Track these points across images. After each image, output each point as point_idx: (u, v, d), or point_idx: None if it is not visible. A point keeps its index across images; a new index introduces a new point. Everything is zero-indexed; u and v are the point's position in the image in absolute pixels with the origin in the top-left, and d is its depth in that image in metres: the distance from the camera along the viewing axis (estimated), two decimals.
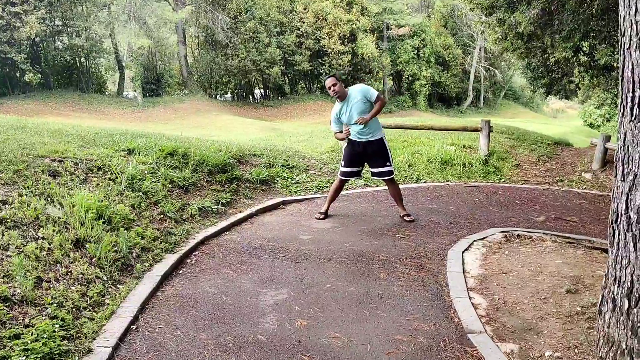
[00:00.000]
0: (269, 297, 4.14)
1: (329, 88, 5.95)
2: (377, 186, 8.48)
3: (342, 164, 6.37)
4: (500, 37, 11.81)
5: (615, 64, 10.71)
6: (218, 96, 38.43)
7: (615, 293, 3.01)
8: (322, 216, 6.41)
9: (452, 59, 46.64)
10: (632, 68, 2.81)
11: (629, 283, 2.89)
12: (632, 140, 2.83)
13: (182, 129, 20.57)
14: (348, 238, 5.65)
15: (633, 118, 2.81)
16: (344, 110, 6.03)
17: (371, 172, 6.34)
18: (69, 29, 30.86)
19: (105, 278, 4.11)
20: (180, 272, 4.64)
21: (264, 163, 8.32)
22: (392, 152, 10.63)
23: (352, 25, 38.69)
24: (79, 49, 31.17)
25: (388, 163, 6.20)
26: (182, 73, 37.91)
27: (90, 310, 3.68)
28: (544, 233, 6.00)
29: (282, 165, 8.53)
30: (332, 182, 8.43)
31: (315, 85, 41.85)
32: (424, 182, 9.13)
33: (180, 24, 36.11)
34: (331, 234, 5.79)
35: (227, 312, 3.88)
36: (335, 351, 3.36)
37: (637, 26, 2.76)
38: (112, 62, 35.91)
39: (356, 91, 6.02)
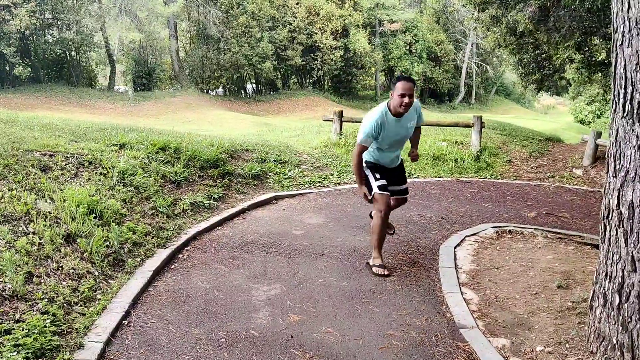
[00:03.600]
0: (261, 293, 4.14)
1: (404, 95, 4.25)
2: None
3: (377, 176, 4.65)
4: (498, 36, 11.84)
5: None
6: (210, 91, 38.24)
7: (606, 288, 3.03)
8: (384, 271, 4.56)
9: (444, 55, 46.57)
10: (625, 64, 2.82)
11: (619, 278, 2.91)
12: (624, 136, 2.84)
13: (174, 123, 20.44)
14: (340, 233, 5.65)
15: (625, 114, 2.83)
16: (390, 126, 4.42)
17: (396, 189, 4.86)
18: (59, 23, 30.59)
19: (96, 273, 4.09)
20: (172, 267, 4.62)
21: (256, 158, 8.30)
22: None
23: (344, 20, 38.58)
24: (70, 43, 30.90)
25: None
26: (173, 67, 37.67)
27: (81, 305, 3.66)
28: (535, 229, 6.03)
29: (274, 161, 8.51)
30: (325, 178, 8.40)
31: (307, 81, 41.72)
32: (416, 177, 9.15)
33: (172, 18, 35.86)
34: (323, 230, 5.79)
35: (220, 307, 3.87)
36: (328, 346, 3.36)
37: (629, 23, 2.77)
38: (103, 56, 35.56)
39: (412, 107, 4.49)
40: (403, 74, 5.38)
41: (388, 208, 4.65)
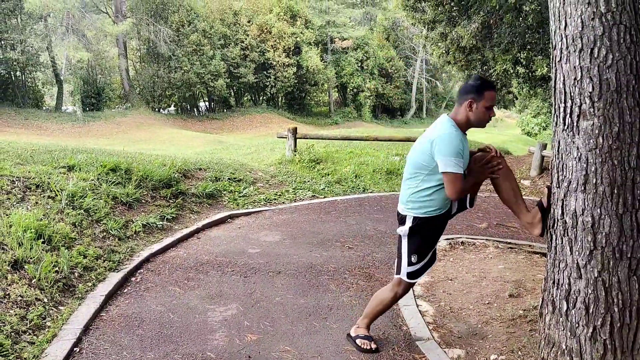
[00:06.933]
0: (217, 313, 4.09)
1: (492, 107, 3.28)
2: (324, 197, 8.52)
3: (426, 258, 3.51)
4: (443, 51, 12.17)
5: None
6: (161, 109, 37.79)
7: (554, 295, 3.12)
8: (371, 344, 3.58)
9: (395, 71, 47.47)
10: (564, 80, 2.95)
11: (566, 285, 3.00)
12: (566, 148, 2.95)
13: (125, 143, 20.10)
14: (297, 250, 5.65)
15: (565, 127, 2.94)
16: (464, 146, 3.29)
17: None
18: (3, 42, 29.73)
19: (45, 300, 3.96)
20: (125, 291, 4.51)
21: (210, 177, 8.23)
22: (339, 163, 10.78)
23: (296, 38, 38.94)
24: (14, 63, 30.02)
25: None
26: (123, 86, 37.08)
27: (30, 334, 3.53)
28: (486, 239, 6.17)
29: (228, 179, 8.45)
30: (280, 195, 8.38)
31: (261, 98, 41.77)
32: (371, 192, 9.24)
33: (121, 37, 35.39)
34: (280, 247, 5.77)
35: (175, 330, 3.80)
36: None
37: (567, 40, 2.90)
38: (50, 76, 34.64)
39: None
40: (484, 78, 3.30)
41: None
